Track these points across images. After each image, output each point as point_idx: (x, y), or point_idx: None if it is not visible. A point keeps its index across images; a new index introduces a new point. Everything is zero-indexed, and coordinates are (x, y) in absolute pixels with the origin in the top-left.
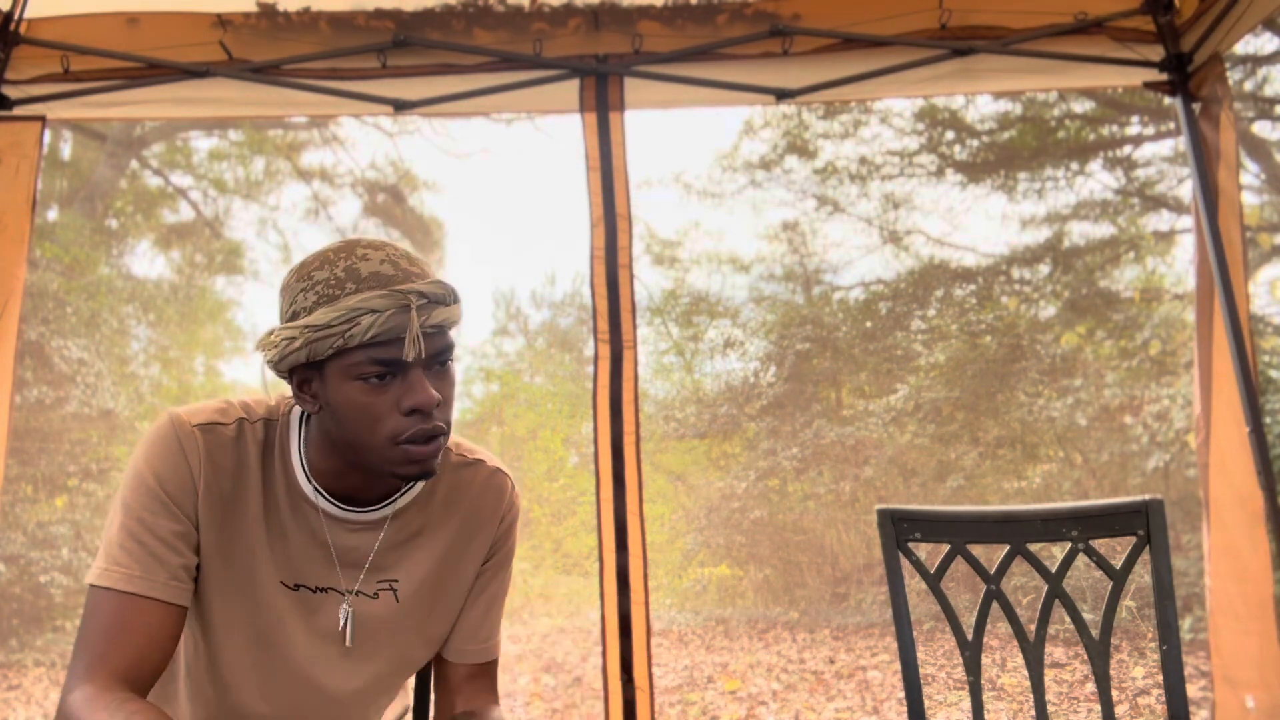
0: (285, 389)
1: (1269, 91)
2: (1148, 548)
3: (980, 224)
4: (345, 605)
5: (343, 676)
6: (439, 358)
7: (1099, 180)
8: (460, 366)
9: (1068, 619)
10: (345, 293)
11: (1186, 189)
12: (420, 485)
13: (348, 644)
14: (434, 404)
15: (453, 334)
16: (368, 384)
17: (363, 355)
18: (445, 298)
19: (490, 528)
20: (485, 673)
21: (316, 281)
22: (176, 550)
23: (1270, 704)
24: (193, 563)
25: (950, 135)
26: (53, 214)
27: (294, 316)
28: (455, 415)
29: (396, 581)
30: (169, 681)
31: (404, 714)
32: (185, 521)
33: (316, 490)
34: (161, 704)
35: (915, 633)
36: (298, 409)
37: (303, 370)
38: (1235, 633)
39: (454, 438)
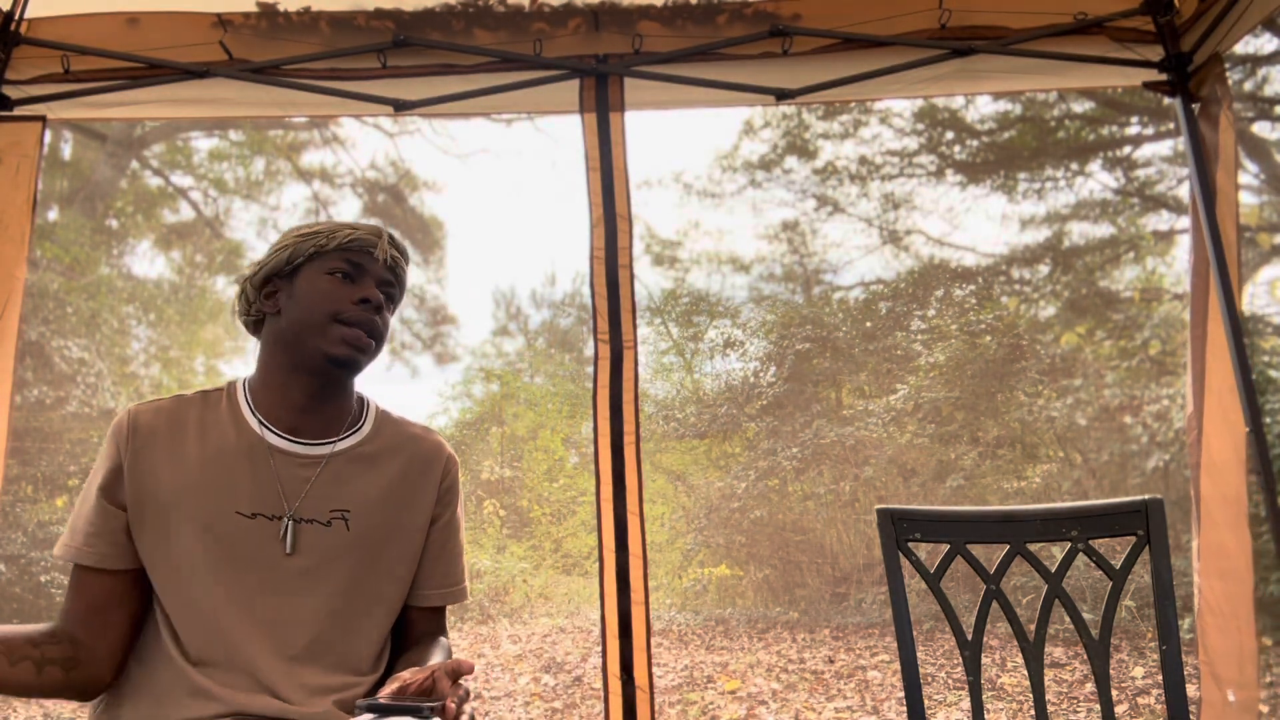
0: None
1: (1269, 91)
2: (1147, 548)
3: (980, 224)
4: (288, 520)
5: (302, 595)
6: (389, 288)
7: (1099, 180)
8: (460, 366)
9: (1068, 619)
10: (334, 223)
11: (1186, 189)
12: (365, 430)
13: (288, 551)
14: (379, 301)
15: (398, 299)
16: (334, 278)
17: (338, 255)
18: (405, 255)
19: (434, 476)
20: (436, 614)
21: (311, 223)
22: (94, 523)
23: (1249, 700)
24: (110, 529)
25: (950, 135)
26: (53, 214)
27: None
28: (436, 408)
29: (348, 511)
30: (157, 631)
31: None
32: (108, 503)
33: (263, 424)
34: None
35: (915, 633)
36: (239, 380)
37: (275, 281)
38: (1220, 629)
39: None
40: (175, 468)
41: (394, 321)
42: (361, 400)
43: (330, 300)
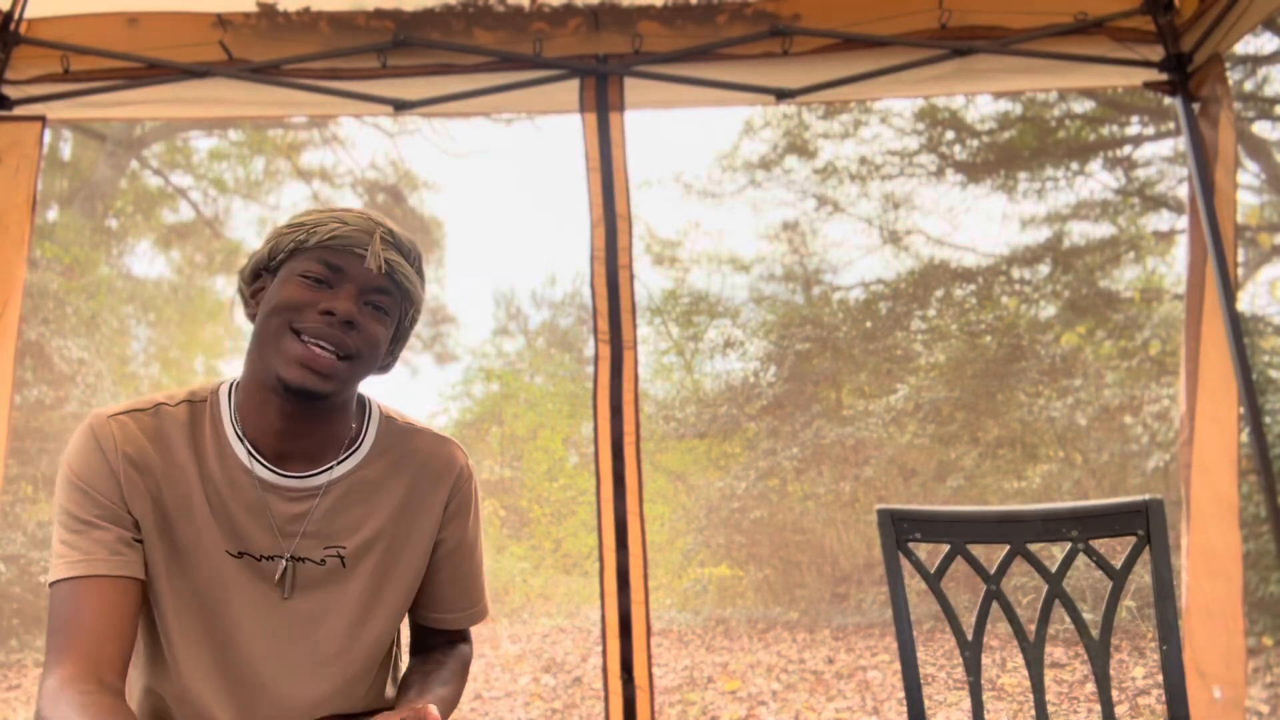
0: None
1: (1269, 91)
2: (1148, 548)
3: (980, 224)
4: (284, 562)
5: (291, 640)
6: (377, 296)
7: (1099, 180)
8: (460, 366)
9: (1068, 619)
10: (324, 214)
11: (1186, 189)
12: (364, 451)
13: (285, 596)
14: (347, 315)
15: (401, 303)
16: (306, 281)
17: (315, 255)
18: (409, 254)
19: (440, 495)
20: (460, 634)
21: (311, 210)
22: (105, 527)
23: (1234, 697)
24: (128, 535)
25: (950, 135)
26: (53, 214)
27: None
28: (435, 408)
29: (344, 548)
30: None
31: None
32: (108, 503)
33: (251, 455)
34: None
35: (915, 633)
36: (225, 385)
37: (262, 276)
38: (1208, 628)
39: (405, 415)
40: (172, 495)
41: (410, 335)
42: (364, 407)
43: (291, 306)
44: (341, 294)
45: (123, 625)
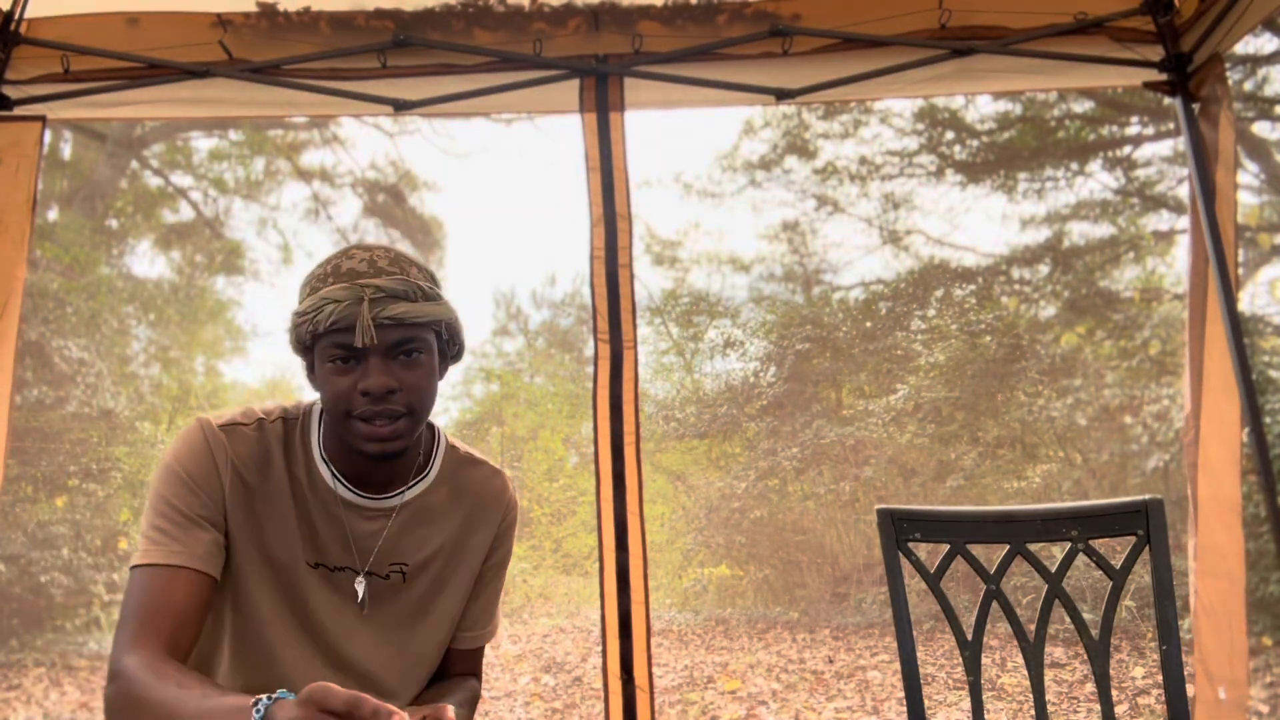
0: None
1: (1269, 91)
2: (1148, 548)
3: (980, 224)
4: (360, 580)
5: (363, 645)
6: (401, 348)
7: (1099, 180)
8: (460, 366)
9: (1068, 619)
10: (325, 285)
11: (1186, 189)
12: (431, 477)
13: (365, 611)
14: (382, 389)
15: (430, 331)
16: (335, 365)
17: (328, 340)
18: (408, 294)
19: (491, 524)
20: (472, 655)
21: (313, 275)
22: (205, 528)
23: (1239, 698)
24: (221, 540)
25: (950, 135)
26: (53, 214)
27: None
28: (437, 407)
29: (405, 565)
30: (209, 661)
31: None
32: (212, 506)
33: (335, 476)
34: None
35: (915, 633)
36: (317, 405)
37: (306, 353)
38: (1213, 628)
39: (464, 446)
40: (267, 505)
41: (460, 338)
42: (433, 435)
43: (339, 397)
44: (370, 368)
45: (199, 616)
